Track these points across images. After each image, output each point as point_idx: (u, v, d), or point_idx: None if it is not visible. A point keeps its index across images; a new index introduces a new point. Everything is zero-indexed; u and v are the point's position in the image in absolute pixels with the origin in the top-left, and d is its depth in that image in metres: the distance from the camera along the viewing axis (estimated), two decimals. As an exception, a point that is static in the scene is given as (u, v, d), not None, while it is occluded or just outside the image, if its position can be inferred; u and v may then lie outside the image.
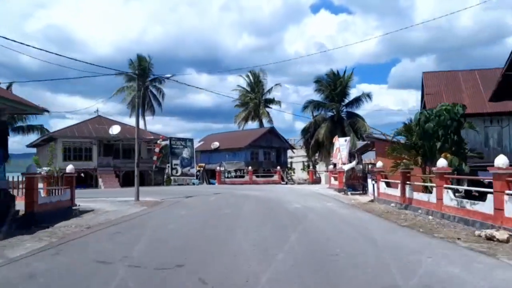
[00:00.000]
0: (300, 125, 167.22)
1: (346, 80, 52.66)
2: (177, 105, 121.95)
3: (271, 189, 34.19)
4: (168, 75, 30.13)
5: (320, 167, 58.43)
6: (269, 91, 66.51)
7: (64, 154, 39.75)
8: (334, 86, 52.46)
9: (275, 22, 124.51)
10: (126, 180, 42.50)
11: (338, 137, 39.45)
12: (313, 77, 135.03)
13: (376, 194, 22.99)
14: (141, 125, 58.59)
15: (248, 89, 66.70)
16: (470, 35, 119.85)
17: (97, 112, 44.36)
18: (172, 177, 42.97)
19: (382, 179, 22.26)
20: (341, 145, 38.03)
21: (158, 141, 42.50)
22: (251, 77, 66.50)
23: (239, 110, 67.53)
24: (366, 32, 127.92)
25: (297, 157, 64.80)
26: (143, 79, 63.89)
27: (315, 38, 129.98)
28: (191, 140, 45.20)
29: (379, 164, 22.83)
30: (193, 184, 44.94)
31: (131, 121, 52.33)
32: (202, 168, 52.85)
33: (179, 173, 43.47)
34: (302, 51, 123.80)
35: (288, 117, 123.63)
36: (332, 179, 36.19)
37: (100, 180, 39.75)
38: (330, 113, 54.05)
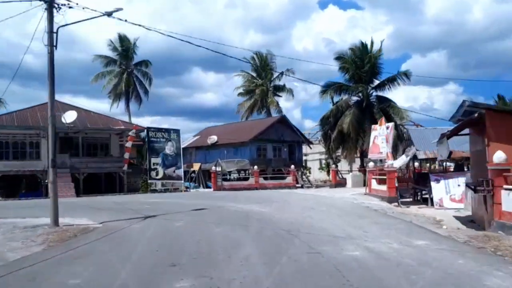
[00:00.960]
0: (309, 123, 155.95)
1: (375, 55, 40.80)
2: (183, 104, 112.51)
3: (285, 198, 22.72)
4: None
5: (342, 165, 46.65)
6: (279, 77, 55.05)
7: (-1, 151, 28.56)
8: (361, 63, 40.72)
9: (282, 19, 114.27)
10: (88, 186, 31.13)
11: (372, 125, 28.47)
12: (321, 74, 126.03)
13: (488, 211, 11.46)
14: (125, 118, 47.30)
15: (254, 74, 55.20)
16: (481, 29, 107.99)
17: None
18: (151, 181, 31.50)
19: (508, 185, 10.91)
20: (380, 134, 26.78)
21: (130, 133, 31.09)
22: (257, 60, 54.94)
23: (242, 99, 56.12)
24: (375, 28, 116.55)
25: (312, 154, 53.07)
26: (126, 62, 52.88)
27: (323, 34, 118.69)
28: (176, 132, 33.70)
29: (500, 156, 11.19)
30: (186, 188, 33.52)
31: (114, 113, 41.37)
32: (197, 169, 41.44)
33: (160, 175, 32.02)
34: (310, 47, 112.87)
35: (297, 114, 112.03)
36: (374, 182, 24.53)
37: (50, 186, 28.27)
38: (355, 98, 42.33)
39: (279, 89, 55.60)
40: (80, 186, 30.35)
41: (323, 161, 53.11)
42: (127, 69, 52.48)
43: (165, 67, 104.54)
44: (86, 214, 16.88)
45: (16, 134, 29.04)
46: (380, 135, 26.86)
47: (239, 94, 56.01)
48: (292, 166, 36.80)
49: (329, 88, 41.98)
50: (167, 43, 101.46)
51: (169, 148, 32.66)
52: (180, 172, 33.07)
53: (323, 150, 51.96)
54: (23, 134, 29.21)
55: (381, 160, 26.01)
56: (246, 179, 36.56)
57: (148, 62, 53.37)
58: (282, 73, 54.44)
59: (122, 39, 51.61)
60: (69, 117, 29.48)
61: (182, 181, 33.30)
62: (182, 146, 46.61)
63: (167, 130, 33.11)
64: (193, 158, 44.97)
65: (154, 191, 31.81)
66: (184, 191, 32.76)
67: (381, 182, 23.17)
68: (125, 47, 51.66)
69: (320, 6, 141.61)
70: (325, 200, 21.43)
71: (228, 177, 36.36)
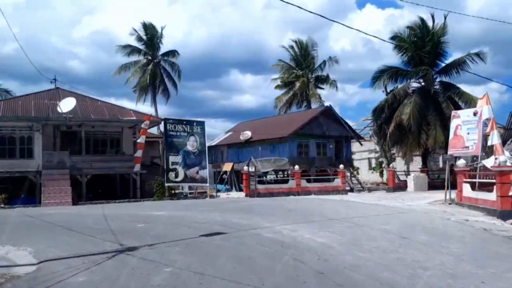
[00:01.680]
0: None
1: (439, 33, 32.90)
2: (221, 106, 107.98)
3: (343, 210, 15.57)
4: None
5: (397, 165, 38.84)
6: (321, 66, 47.70)
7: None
8: (421, 43, 32.99)
9: (320, 19, 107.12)
10: (93, 190, 24.88)
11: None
12: (358, 75, 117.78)
13: None
14: (152, 112, 40.97)
15: (293, 64, 48.05)
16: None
17: (54, 81, 26.89)
18: (168, 184, 24.90)
19: None
20: (466, 123, 19.67)
21: (143, 125, 24.52)
22: (296, 49, 47.84)
23: (280, 92, 49.05)
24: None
25: (359, 152, 45.42)
26: (152, 52, 46.81)
27: (361, 34, 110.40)
28: (201, 124, 26.92)
29: None
30: (217, 192, 26.90)
31: (139, 109, 35.24)
32: (229, 169, 34.85)
33: (180, 177, 25.37)
34: (348, 47, 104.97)
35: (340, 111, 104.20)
36: (467, 188, 17.00)
37: (43, 190, 22.21)
38: (416, 84, 34.59)
39: (322, 80, 48.20)
40: (83, 191, 24.10)
41: (373, 160, 45.36)
42: (153, 59, 46.43)
43: (204, 70, 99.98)
44: (44, 238, 10.66)
45: (2, 127, 23.04)
46: (466, 124, 19.49)
47: (277, 86, 48.98)
48: (341, 166, 29.47)
49: (383, 74, 34.32)
50: (206, 47, 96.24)
51: (191, 144, 26.00)
52: (205, 173, 26.36)
53: (372, 148, 44.34)
54: (11, 127, 23.21)
55: (473, 158, 18.57)
56: (285, 181, 29.47)
57: (176, 52, 47.12)
58: (324, 62, 47.31)
59: (147, 27, 45.59)
60: (66, 105, 23.28)
61: (207, 184, 26.56)
62: (213, 143, 40.14)
63: (189, 122, 26.44)
64: (225, 157, 38.38)
65: (174, 196, 25.26)
66: (211, 196, 26.04)
67: (482, 187, 15.71)
68: (150, 35, 45.67)
69: (357, 6, 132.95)
70: (406, 216, 14.08)
71: (263, 178, 29.44)
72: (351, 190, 30.58)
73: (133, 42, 45.56)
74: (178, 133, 25.78)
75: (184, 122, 26.25)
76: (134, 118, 25.55)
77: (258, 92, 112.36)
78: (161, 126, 29.45)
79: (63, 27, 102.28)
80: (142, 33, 45.45)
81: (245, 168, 27.31)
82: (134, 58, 45.81)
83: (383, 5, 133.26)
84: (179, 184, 26.58)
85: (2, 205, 23.03)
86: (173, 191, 27.35)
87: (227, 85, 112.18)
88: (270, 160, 30.41)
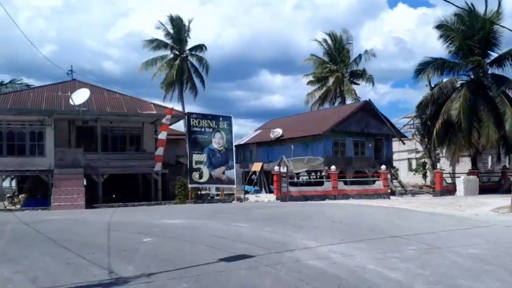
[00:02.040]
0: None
1: (492, 19, 29.04)
2: (251, 106, 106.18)
3: (402, 222, 12.51)
4: None
5: (442, 165, 35.02)
6: (356, 61, 44.22)
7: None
8: (470, 32, 29.31)
9: (351, 18, 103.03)
10: (112, 191, 22.48)
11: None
12: (390, 74, 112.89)
13: None
14: (179, 109, 38.44)
15: (326, 58, 44.76)
16: None
17: (70, 73, 24.49)
18: (192, 185, 22.20)
19: None
20: None
21: (164, 120, 21.86)
22: (330, 42, 44.53)
23: (312, 88, 45.86)
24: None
25: (398, 152, 41.74)
26: (180, 47, 44.32)
27: (392, 33, 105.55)
28: (227, 119, 24.10)
29: None
30: (245, 194, 24.18)
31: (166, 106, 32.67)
32: (259, 169, 32.03)
33: (205, 178, 22.64)
34: (380, 46, 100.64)
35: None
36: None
37: (54, 191, 19.83)
38: (464, 77, 30.90)
39: (357, 75, 44.65)
40: (99, 193, 21.65)
41: (413, 161, 41.65)
42: (181, 54, 43.91)
43: (233, 70, 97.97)
44: (18, 258, 8.12)
45: (11, 121, 20.79)
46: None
47: (309, 82, 45.72)
48: (383, 167, 26.15)
49: (427, 66, 30.75)
50: (235, 47, 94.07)
51: (217, 141, 23.22)
52: (232, 173, 23.54)
53: (413, 147, 40.66)
54: (20, 121, 20.92)
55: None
56: (319, 183, 26.37)
57: (203, 47, 44.43)
58: (360, 56, 43.79)
59: (174, 20, 43.11)
60: (79, 97, 20.83)
61: (234, 186, 23.73)
62: (241, 142, 37.37)
63: (215, 117, 23.67)
64: (254, 156, 35.50)
65: (199, 199, 22.57)
66: (238, 199, 23.21)
67: None
68: (177, 29, 43.18)
69: (389, 5, 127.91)
70: (487, 232, 10.82)
71: (295, 180, 26.39)
72: (393, 193, 27.21)
73: (160, 36, 43.36)
74: (203, 129, 23.05)
75: (209, 117, 23.50)
76: (155, 112, 22.92)
77: (287, 92, 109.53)
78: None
79: (98, 29, 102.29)
80: (169, 27, 43.11)
81: (276, 168, 24.40)
82: (161, 53, 43.48)
83: (415, 4, 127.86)
84: (204, 185, 23.89)
85: (14, 207, 20.90)
86: (199, 192, 24.76)
87: (257, 85, 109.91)
88: (303, 159, 27.35)
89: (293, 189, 24.22)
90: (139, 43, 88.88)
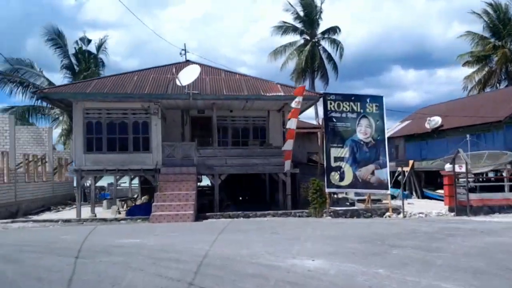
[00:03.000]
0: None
1: None
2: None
3: None
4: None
5: None
6: (527, 33, 33.89)
7: (87, 139, 16.40)
8: None
9: None
10: (232, 195, 17.50)
11: None
12: None
13: None
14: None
15: (487, 34, 35.12)
16: None
17: (184, 53, 19.93)
18: (330, 190, 15.98)
19: None
20: None
21: (293, 104, 15.78)
22: (491, 12, 34.75)
23: (469, 70, 36.47)
24: None
25: None
26: (311, 31, 38.43)
27: None
28: (377, 100, 17.27)
29: None
30: (392, 200, 17.49)
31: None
32: (408, 169, 24.59)
33: (347, 180, 16.21)
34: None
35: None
36: None
37: (157, 196, 15.21)
38: None
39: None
40: (215, 197, 16.57)
41: None
42: (312, 39, 38.01)
43: (363, 68, 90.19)
44: None
45: (111, 110, 16.66)
46: None
47: (466, 63, 36.38)
48: None
49: None
50: (366, 44, 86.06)
51: (363, 130, 16.62)
52: (383, 174, 16.70)
53: None
54: (122, 109, 16.70)
55: None
56: (495, 187, 18.09)
57: (337, 29, 37.96)
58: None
59: (304, 1, 37.30)
60: (188, 76, 15.89)
61: (388, 191, 16.84)
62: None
63: (360, 98, 16.99)
64: (400, 153, 28.06)
65: (335, 206, 16.30)
66: (393, 210, 16.33)
67: None
68: (307, 11, 37.35)
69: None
70: None
71: (471, 184, 18.44)
72: None
73: (289, 20, 38.05)
74: (344, 115, 16.61)
75: (353, 98, 16.92)
76: (282, 93, 17.08)
77: (421, 87, 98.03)
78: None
79: (232, 37, 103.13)
80: (298, 9, 37.57)
81: (448, 166, 16.99)
82: (290, 38, 38.19)
83: None
84: (343, 190, 17.50)
85: (120, 215, 16.96)
86: (335, 196, 18.60)
87: (388, 82, 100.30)
88: (481, 155, 19.20)
89: (473, 196, 16.54)
90: (269, 48, 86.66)
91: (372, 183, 16.65)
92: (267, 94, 16.92)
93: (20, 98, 28.39)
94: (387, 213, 16.29)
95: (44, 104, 25.70)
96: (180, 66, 18.53)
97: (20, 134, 21.98)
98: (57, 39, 28.50)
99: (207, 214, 15.52)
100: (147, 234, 11.22)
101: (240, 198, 21.29)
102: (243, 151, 18.08)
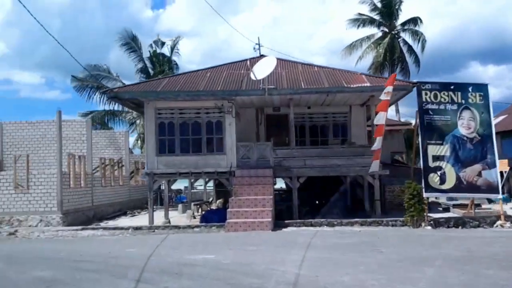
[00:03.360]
0: None
1: None
2: None
3: None
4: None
5: None
6: None
7: (159, 140, 15.42)
8: None
9: None
10: (309, 200, 15.74)
11: None
12: None
13: None
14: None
15: None
16: None
17: (258, 47, 18.61)
18: (428, 194, 13.67)
19: None
20: None
21: (382, 95, 13.66)
22: None
23: None
24: None
25: None
26: (389, 23, 35.61)
27: None
28: (481, 89, 14.66)
29: None
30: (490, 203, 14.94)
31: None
32: (506, 169, 21.25)
33: (450, 182, 13.81)
34: None
35: None
36: None
37: (231, 201, 13.84)
38: None
39: None
40: (293, 203, 14.90)
41: None
42: (391, 31, 35.16)
43: (439, 66, 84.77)
44: None
45: (184, 109, 15.53)
46: None
47: None
48: None
49: None
50: (441, 41, 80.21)
51: (465, 124, 14.08)
52: (493, 175, 14.03)
53: None
54: (195, 109, 15.47)
55: None
56: None
57: (419, 20, 34.79)
58: None
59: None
60: (263, 69, 14.37)
61: (499, 195, 14.12)
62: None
63: (461, 87, 14.40)
64: (497, 150, 24.48)
65: (428, 211, 13.96)
66: (506, 218, 13.64)
67: None
68: (386, 1, 34.55)
69: None
70: None
71: None
72: None
73: (366, 11, 35.49)
74: (442, 106, 14.16)
75: (452, 87, 14.40)
76: (368, 84, 14.97)
77: (502, 83, 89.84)
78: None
79: (301, 40, 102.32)
80: (376, 0, 34.89)
81: None
82: (366, 31, 35.63)
83: None
84: (445, 194, 14.99)
85: (195, 221, 15.94)
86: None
87: (465, 78, 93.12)
88: None
89: None
90: (339, 49, 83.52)
91: (479, 186, 14.02)
92: (351, 86, 14.91)
93: (98, 103, 28.77)
94: (499, 222, 13.61)
95: (121, 108, 25.60)
96: (254, 61, 17.09)
97: (97, 138, 21.86)
98: (131, 43, 28.57)
99: (285, 221, 13.89)
100: (222, 246, 9.80)
101: (317, 202, 19.43)
102: (323, 150, 16.21)
